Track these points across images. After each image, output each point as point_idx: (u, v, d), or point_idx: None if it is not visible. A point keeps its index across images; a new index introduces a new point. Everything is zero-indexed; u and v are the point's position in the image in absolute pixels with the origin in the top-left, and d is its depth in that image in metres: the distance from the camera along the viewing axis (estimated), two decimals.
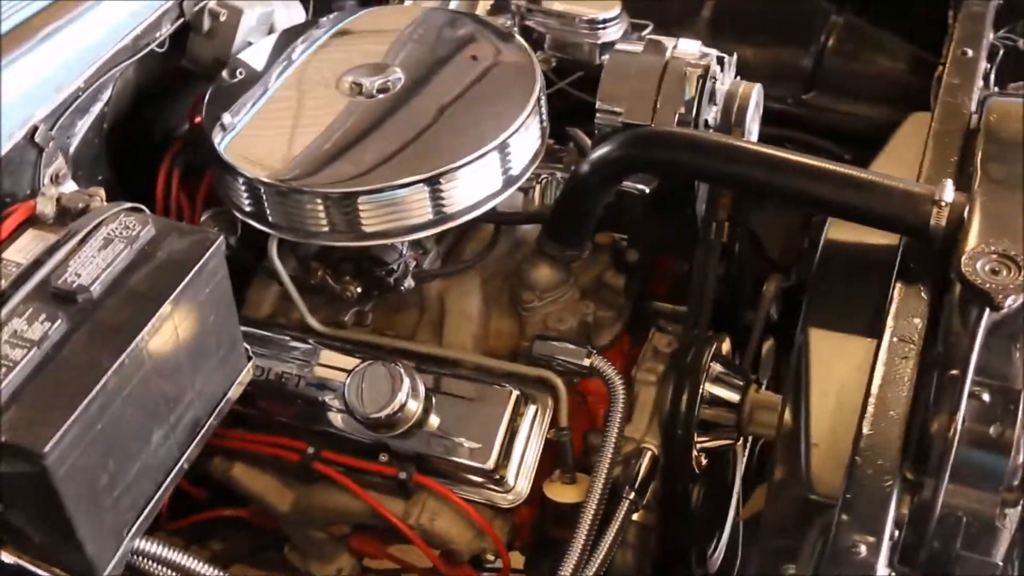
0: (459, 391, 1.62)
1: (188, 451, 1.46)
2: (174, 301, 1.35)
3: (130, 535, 1.38)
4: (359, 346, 1.70)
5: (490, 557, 1.65)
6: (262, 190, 1.58)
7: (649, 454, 1.67)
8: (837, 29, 2.24)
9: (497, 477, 1.58)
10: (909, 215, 1.43)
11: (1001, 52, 1.92)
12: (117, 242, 1.39)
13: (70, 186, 1.55)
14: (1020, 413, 1.21)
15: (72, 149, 1.56)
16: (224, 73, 1.76)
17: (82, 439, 1.24)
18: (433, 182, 1.54)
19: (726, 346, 1.79)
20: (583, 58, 1.99)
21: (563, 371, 1.66)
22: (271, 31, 1.86)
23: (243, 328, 1.61)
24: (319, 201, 1.55)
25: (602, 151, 1.61)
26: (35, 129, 1.48)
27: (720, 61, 1.69)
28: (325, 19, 1.89)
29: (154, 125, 1.84)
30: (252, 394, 1.63)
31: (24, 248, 1.40)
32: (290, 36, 1.84)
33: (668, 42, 1.71)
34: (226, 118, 1.68)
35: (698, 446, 1.72)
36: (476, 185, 1.59)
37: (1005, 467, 1.20)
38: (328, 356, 1.69)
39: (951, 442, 1.19)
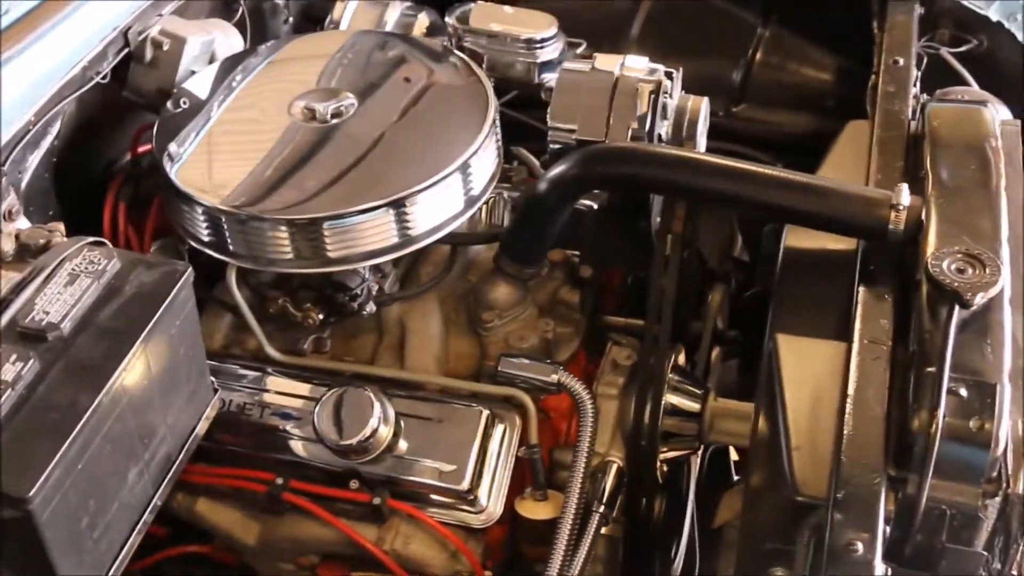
0: (427, 413, 1.61)
1: (161, 488, 1.43)
2: (147, 336, 1.32)
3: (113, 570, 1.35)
4: (320, 373, 1.68)
5: None
6: (223, 219, 1.55)
7: (615, 467, 1.68)
8: (764, 42, 2.29)
9: (471, 498, 1.58)
10: (868, 219, 1.47)
11: (925, 60, 2.00)
12: (83, 277, 1.35)
13: (22, 222, 1.50)
14: (996, 406, 1.25)
15: (23, 184, 1.52)
16: (168, 104, 1.73)
17: (64, 481, 1.21)
18: (397, 205, 1.54)
19: (681, 357, 1.82)
20: (521, 78, 1.99)
21: (528, 389, 1.66)
22: (212, 59, 1.84)
23: None
24: (283, 228, 1.53)
25: (560, 169, 1.61)
26: None
27: (669, 76, 1.72)
28: (264, 47, 1.87)
29: (95, 158, 1.80)
30: (213, 427, 1.61)
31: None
32: (232, 64, 1.81)
33: (616, 59, 1.73)
34: (172, 148, 1.65)
35: (660, 456, 1.74)
36: (439, 207, 1.59)
37: (986, 460, 1.24)
38: (289, 385, 1.67)
39: (934, 437, 1.23)
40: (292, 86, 1.73)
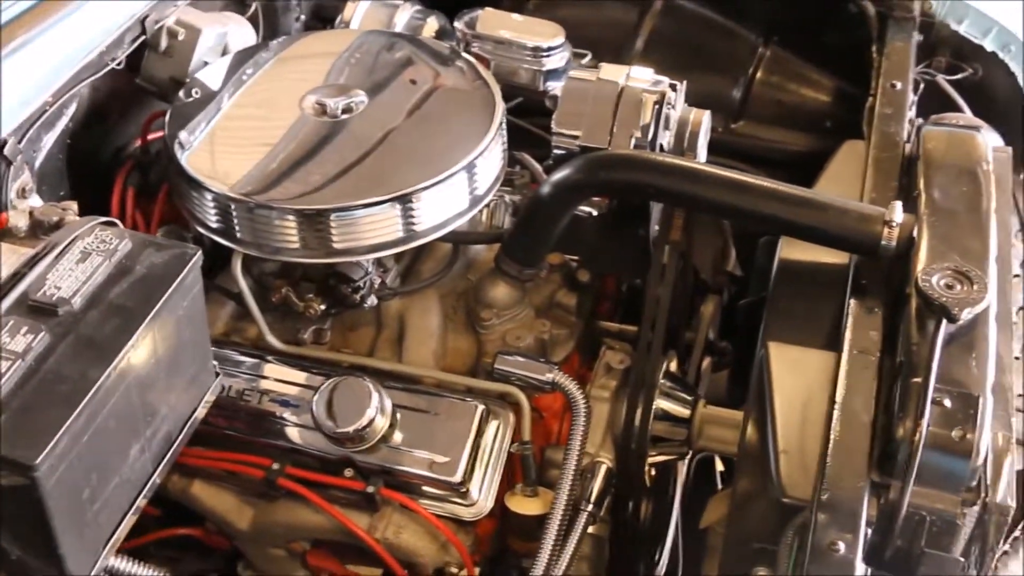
0: (423, 406, 1.65)
1: (160, 467, 1.45)
2: (156, 315, 1.35)
3: (105, 551, 1.37)
4: (319, 363, 1.71)
5: (453, 570, 1.66)
6: (231, 207, 1.58)
7: (604, 467, 1.71)
8: (765, 61, 2.34)
9: (463, 491, 1.61)
10: (862, 234, 1.52)
11: (922, 85, 2.05)
12: (95, 256, 1.38)
13: (35, 200, 1.53)
14: (979, 417, 1.29)
15: (38, 163, 1.55)
16: (180, 93, 1.76)
17: (70, 452, 1.23)
18: (404, 201, 1.58)
19: (673, 364, 1.85)
20: (526, 85, 2.03)
21: (523, 387, 1.69)
22: (225, 52, 1.87)
23: None
24: (291, 217, 1.56)
25: (563, 173, 1.65)
26: (4, 143, 1.46)
27: (673, 88, 1.76)
28: (276, 42, 1.91)
29: (105, 143, 1.83)
30: (211, 411, 1.64)
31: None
32: (244, 57, 1.85)
33: (622, 69, 1.77)
34: (183, 136, 1.68)
35: (648, 460, 1.77)
36: (444, 204, 1.63)
37: (967, 469, 1.28)
38: (289, 373, 1.70)
39: (917, 446, 1.27)
40: (302, 81, 1.77)
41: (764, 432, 1.44)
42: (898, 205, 1.52)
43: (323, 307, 1.71)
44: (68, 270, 1.36)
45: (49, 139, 1.56)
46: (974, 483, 1.31)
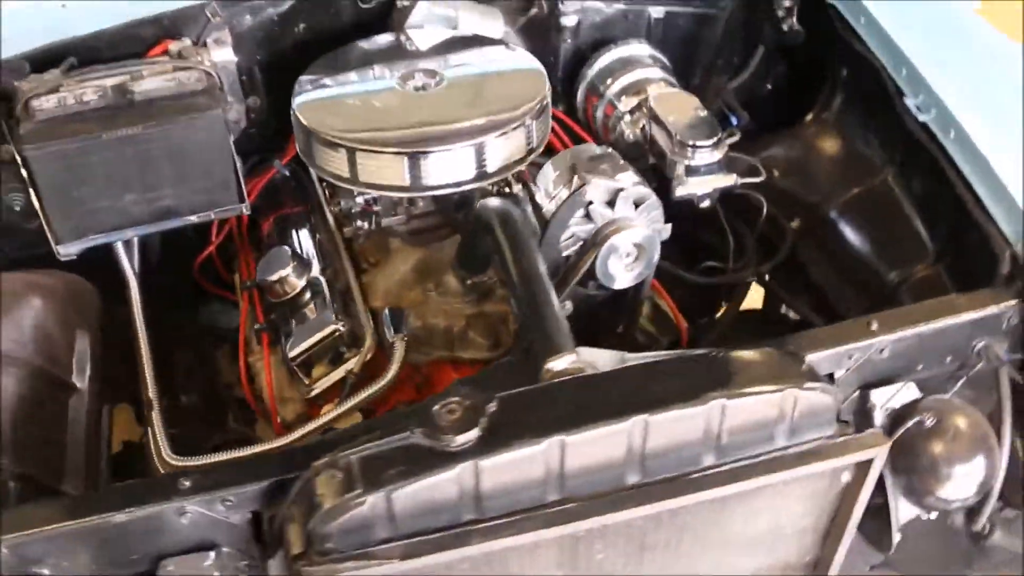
0: (324, 309, 2.44)
1: (155, 224, 2.42)
2: (162, 125, 2.31)
3: (90, 238, 2.38)
4: (331, 246, 2.56)
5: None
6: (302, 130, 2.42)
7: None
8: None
9: (299, 374, 2.41)
10: None
11: None
12: (176, 82, 2.40)
13: (225, 51, 2.51)
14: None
15: (238, 29, 2.55)
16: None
17: (59, 157, 2.26)
18: (352, 153, 2.27)
19: None
20: (663, 168, 2.49)
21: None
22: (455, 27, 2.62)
23: None
24: (304, 135, 2.36)
25: (489, 200, 2.25)
26: (209, 2, 2.51)
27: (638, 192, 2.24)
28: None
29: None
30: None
31: (152, 65, 2.46)
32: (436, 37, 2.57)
33: (616, 159, 2.29)
34: (372, 69, 2.53)
35: None
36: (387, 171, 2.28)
37: None
38: (308, 241, 2.61)
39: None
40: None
41: None
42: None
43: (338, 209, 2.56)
44: (159, 82, 2.39)
45: (252, 19, 2.53)
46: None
